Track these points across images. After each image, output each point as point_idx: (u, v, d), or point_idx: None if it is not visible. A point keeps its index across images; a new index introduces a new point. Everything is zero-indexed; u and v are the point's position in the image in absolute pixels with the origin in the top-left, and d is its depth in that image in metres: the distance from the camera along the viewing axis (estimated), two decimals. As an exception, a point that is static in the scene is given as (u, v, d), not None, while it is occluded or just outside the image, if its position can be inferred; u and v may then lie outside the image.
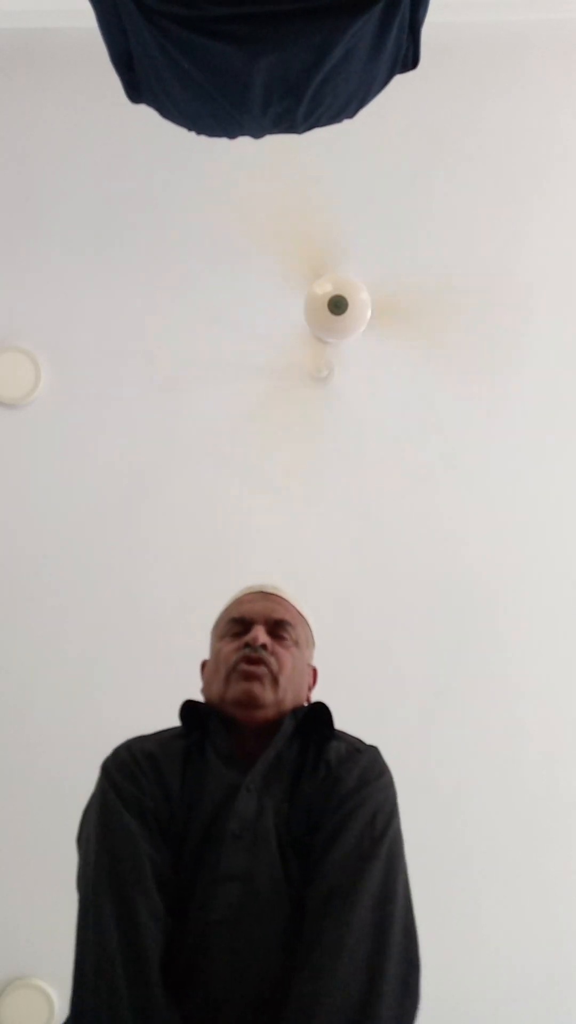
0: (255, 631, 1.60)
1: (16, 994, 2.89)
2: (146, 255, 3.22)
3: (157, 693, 3.04)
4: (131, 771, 1.48)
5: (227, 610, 1.71)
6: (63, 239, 3.21)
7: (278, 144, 3.01)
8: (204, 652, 3.07)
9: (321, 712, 1.60)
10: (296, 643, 1.65)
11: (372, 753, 1.57)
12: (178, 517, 3.15)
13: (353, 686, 3.05)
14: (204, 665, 1.74)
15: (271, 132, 1.59)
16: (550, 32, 3.21)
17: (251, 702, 1.53)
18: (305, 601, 3.11)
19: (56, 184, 3.23)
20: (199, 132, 1.61)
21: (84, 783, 2.98)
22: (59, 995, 2.89)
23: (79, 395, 3.20)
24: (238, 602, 1.71)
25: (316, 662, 3.06)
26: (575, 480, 3.17)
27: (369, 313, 3.07)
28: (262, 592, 1.72)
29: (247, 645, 1.57)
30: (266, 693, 1.54)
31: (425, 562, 3.11)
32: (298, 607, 1.73)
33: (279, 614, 1.66)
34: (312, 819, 1.41)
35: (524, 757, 3.02)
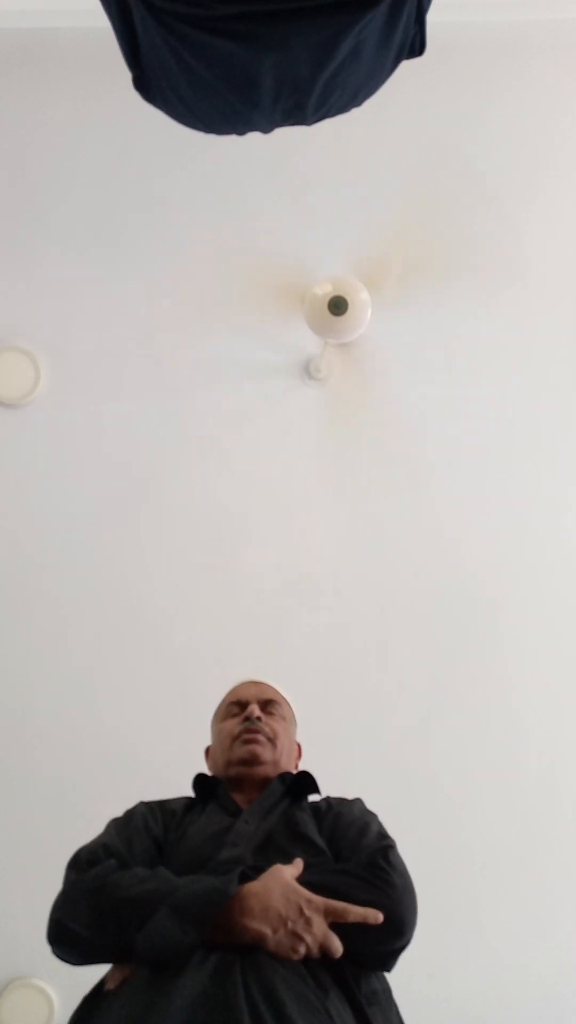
0: (251, 708, 1.92)
1: (16, 994, 2.89)
2: (146, 255, 3.22)
3: (156, 693, 3.07)
4: (145, 804, 1.80)
5: (224, 699, 2.03)
6: (63, 239, 3.21)
7: (279, 144, 3.02)
8: (203, 651, 3.09)
9: (308, 779, 1.86)
10: (283, 717, 1.97)
11: (361, 801, 1.80)
12: (178, 517, 3.15)
13: (353, 686, 3.06)
14: (208, 751, 2.02)
15: (281, 125, 1.58)
16: (550, 32, 3.21)
17: (254, 759, 1.82)
18: (305, 601, 3.14)
19: (56, 184, 3.23)
20: (208, 131, 1.61)
21: (84, 784, 3.00)
22: (59, 995, 2.89)
23: (79, 395, 3.20)
24: (233, 691, 2.03)
25: (316, 663, 3.07)
26: (574, 481, 3.17)
27: (369, 313, 3.07)
28: (252, 681, 2.04)
29: (246, 719, 1.89)
30: (266, 752, 1.84)
31: (425, 562, 3.11)
32: (283, 692, 2.04)
33: (268, 695, 1.99)
34: (317, 834, 1.65)
35: (524, 756, 3.03)
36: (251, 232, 3.19)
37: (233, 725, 1.90)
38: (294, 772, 1.90)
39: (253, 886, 1.42)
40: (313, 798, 1.83)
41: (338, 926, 1.41)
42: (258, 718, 1.89)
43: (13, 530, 3.15)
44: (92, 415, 3.19)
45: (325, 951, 1.38)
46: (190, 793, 1.87)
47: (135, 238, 3.22)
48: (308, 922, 1.39)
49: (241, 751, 1.83)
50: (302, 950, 1.37)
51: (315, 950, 1.38)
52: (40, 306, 3.21)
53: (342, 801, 1.77)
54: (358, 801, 1.77)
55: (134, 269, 3.22)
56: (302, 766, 1.98)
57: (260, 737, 1.85)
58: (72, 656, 3.08)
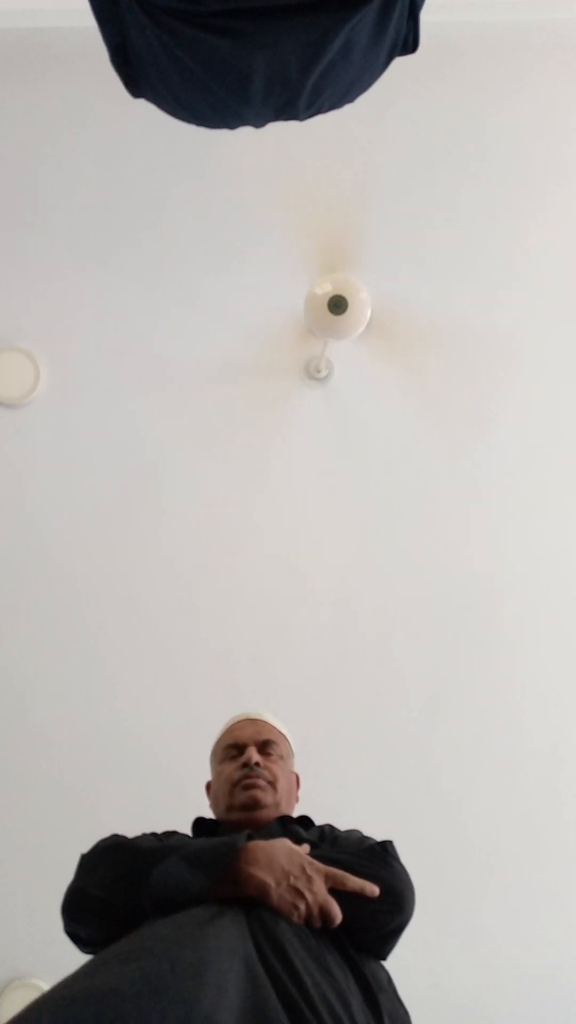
0: (249, 752, 1.92)
1: (16, 994, 2.89)
2: (146, 255, 3.22)
3: (156, 692, 3.07)
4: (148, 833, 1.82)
5: (221, 738, 2.04)
6: (63, 239, 3.21)
7: (278, 146, 3.02)
8: (203, 652, 3.09)
9: (306, 822, 1.88)
10: (281, 756, 1.98)
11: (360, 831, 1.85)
12: (177, 517, 3.15)
13: (353, 686, 3.06)
14: (208, 786, 2.04)
15: (273, 120, 1.58)
16: (550, 32, 3.21)
17: (256, 803, 1.84)
18: (305, 601, 3.14)
19: (56, 184, 3.23)
20: (199, 124, 1.61)
21: (84, 783, 3.01)
22: (59, 995, 2.89)
23: (78, 395, 3.20)
24: (230, 730, 2.04)
25: (317, 662, 3.08)
26: (573, 482, 3.17)
27: (369, 313, 3.07)
28: (248, 719, 2.05)
29: (245, 765, 1.90)
30: (267, 796, 1.86)
31: (425, 561, 3.12)
32: (279, 725, 2.06)
33: (265, 735, 1.99)
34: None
35: (524, 756, 3.03)
36: (251, 232, 3.19)
37: (232, 770, 1.92)
38: (293, 813, 1.93)
39: (260, 843, 1.51)
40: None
41: (339, 897, 1.45)
42: (256, 763, 1.90)
43: (13, 530, 3.15)
44: (92, 415, 3.20)
45: (324, 916, 1.43)
46: (189, 798, 1.88)
47: (135, 239, 3.22)
48: (310, 880, 1.44)
49: (243, 796, 1.86)
50: (302, 908, 1.41)
51: (315, 911, 1.42)
52: (40, 306, 3.21)
53: (342, 831, 1.81)
54: (357, 831, 1.82)
55: (133, 269, 3.22)
56: (302, 794, 2.01)
57: (260, 782, 1.87)
58: (72, 655, 3.08)
